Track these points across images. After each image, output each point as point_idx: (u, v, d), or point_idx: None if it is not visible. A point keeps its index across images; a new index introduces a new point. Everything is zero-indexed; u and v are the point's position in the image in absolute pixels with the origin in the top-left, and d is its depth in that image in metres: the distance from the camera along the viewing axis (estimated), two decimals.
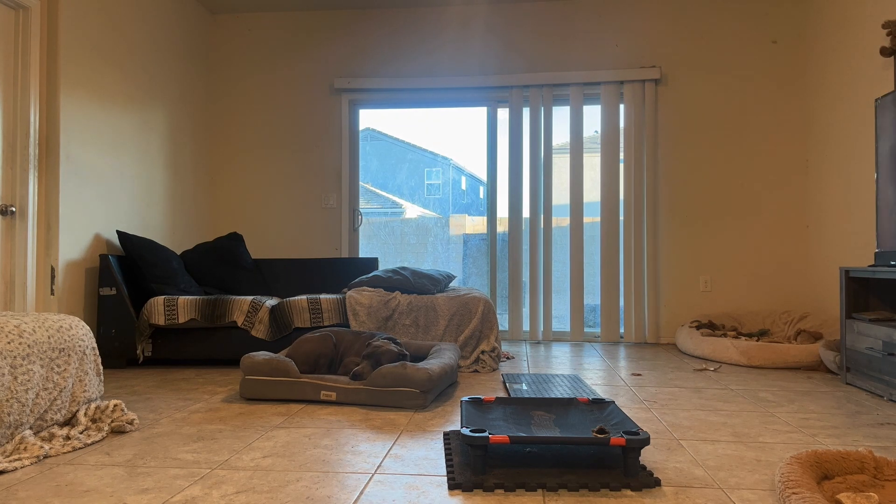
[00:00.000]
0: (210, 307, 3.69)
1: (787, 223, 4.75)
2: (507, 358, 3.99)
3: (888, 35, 3.50)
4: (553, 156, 4.98)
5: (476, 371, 3.54)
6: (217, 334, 3.75)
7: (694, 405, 2.71)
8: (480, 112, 5.20)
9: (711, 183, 4.81)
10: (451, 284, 4.84)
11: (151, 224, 4.41)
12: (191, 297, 3.72)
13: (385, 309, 3.70)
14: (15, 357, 2.03)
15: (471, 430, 1.80)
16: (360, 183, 5.25)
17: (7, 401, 1.99)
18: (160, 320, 3.66)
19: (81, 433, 2.20)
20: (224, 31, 5.25)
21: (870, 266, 3.12)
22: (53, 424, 2.20)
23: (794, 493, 1.50)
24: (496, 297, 5.03)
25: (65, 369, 2.25)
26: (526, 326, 4.94)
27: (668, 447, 2.10)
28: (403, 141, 5.58)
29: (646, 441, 1.76)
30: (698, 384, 3.17)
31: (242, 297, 3.77)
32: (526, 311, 4.95)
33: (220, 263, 4.34)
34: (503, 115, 5.14)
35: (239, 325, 3.69)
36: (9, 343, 2.02)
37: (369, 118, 5.40)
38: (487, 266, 5.13)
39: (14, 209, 3.36)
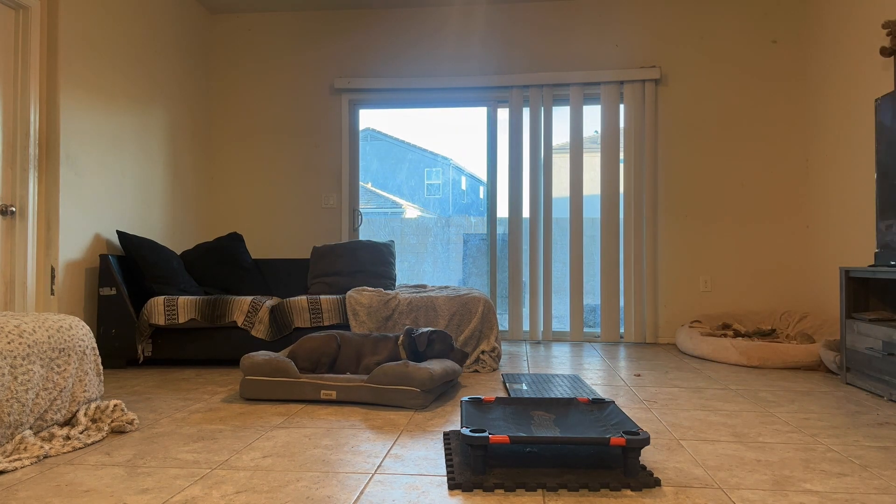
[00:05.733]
0: (210, 307, 3.69)
1: (787, 223, 4.75)
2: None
3: (888, 35, 3.50)
4: (553, 156, 4.98)
5: (476, 371, 3.54)
6: (217, 334, 3.75)
7: (694, 405, 2.71)
8: (480, 112, 5.20)
9: (711, 183, 4.81)
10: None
11: (151, 224, 4.41)
12: (191, 297, 3.72)
13: (385, 309, 3.70)
14: (15, 357, 2.03)
15: (471, 430, 1.80)
16: (360, 183, 5.25)
17: (7, 401, 1.99)
18: (160, 320, 3.66)
19: (81, 433, 2.20)
20: (224, 30, 5.25)
21: (870, 266, 3.12)
22: (53, 424, 2.20)
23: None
24: (496, 297, 5.03)
25: (65, 369, 2.25)
26: (526, 326, 4.94)
27: (668, 447, 2.10)
28: (403, 141, 5.58)
29: (646, 441, 1.75)
30: (698, 384, 3.17)
31: (242, 297, 3.77)
32: (526, 311, 4.95)
33: (220, 263, 4.34)
34: (503, 115, 5.14)
35: (239, 325, 3.69)
36: (9, 343, 2.02)
37: (369, 118, 5.40)
38: (487, 266, 5.13)
39: (14, 209, 3.36)
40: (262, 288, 4.46)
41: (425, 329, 3.14)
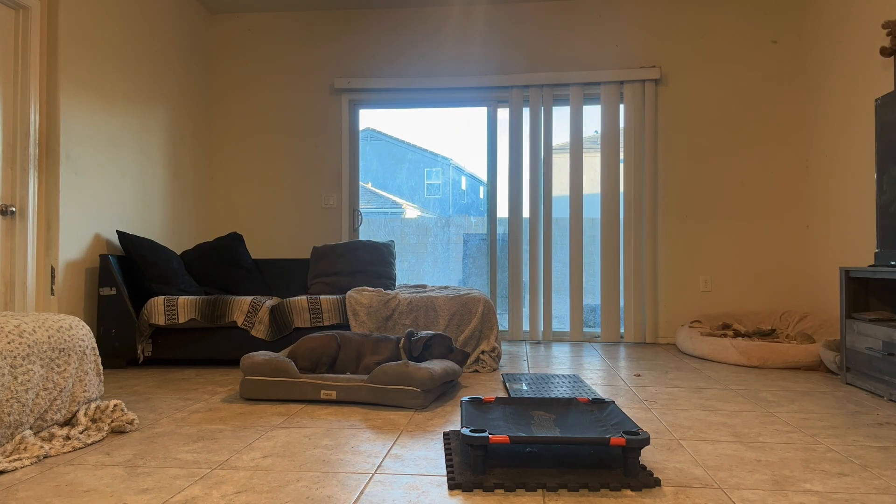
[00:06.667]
0: (210, 307, 3.69)
1: (787, 223, 4.75)
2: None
3: (888, 35, 3.50)
4: (553, 156, 4.98)
5: (476, 371, 3.54)
6: (217, 334, 3.75)
7: (694, 405, 2.71)
8: (480, 112, 5.20)
9: (711, 183, 4.81)
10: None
11: (151, 224, 4.41)
12: (191, 297, 3.72)
13: (385, 309, 3.70)
14: (15, 357, 2.03)
15: (471, 430, 1.80)
16: (360, 183, 5.25)
17: (7, 401, 1.99)
18: (160, 320, 3.66)
19: (81, 433, 2.20)
20: (224, 30, 5.25)
21: (870, 266, 3.12)
22: (53, 424, 2.20)
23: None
24: (496, 297, 5.03)
25: (65, 369, 2.25)
26: (526, 326, 4.94)
27: (668, 447, 2.10)
28: (403, 141, 5.58)
29: (646, 441, 1.75)
30: (698, 384, 3.17)
31: (242, 297, 3.77)
32: (526, 311, 4.95)
33: (220, 263, 4.34)
34: (503, 115, 5.14)
35: (239, 325, 3.69)
36: (9, 343, 2.02)
37: (369, 118, 5.40)
38: (487, 266, 5.13)
39: (14, 209, 3.36)
40: (262, 288, 4.46)
41: (424, 333, 3.14)
